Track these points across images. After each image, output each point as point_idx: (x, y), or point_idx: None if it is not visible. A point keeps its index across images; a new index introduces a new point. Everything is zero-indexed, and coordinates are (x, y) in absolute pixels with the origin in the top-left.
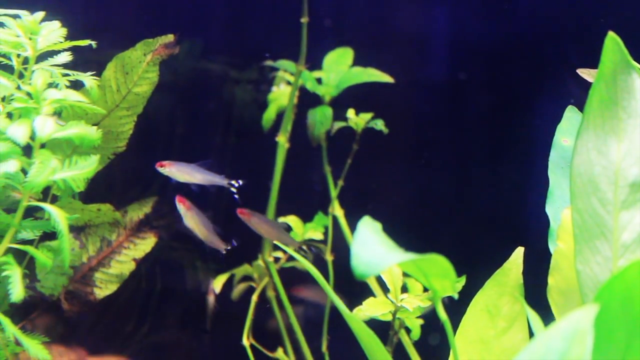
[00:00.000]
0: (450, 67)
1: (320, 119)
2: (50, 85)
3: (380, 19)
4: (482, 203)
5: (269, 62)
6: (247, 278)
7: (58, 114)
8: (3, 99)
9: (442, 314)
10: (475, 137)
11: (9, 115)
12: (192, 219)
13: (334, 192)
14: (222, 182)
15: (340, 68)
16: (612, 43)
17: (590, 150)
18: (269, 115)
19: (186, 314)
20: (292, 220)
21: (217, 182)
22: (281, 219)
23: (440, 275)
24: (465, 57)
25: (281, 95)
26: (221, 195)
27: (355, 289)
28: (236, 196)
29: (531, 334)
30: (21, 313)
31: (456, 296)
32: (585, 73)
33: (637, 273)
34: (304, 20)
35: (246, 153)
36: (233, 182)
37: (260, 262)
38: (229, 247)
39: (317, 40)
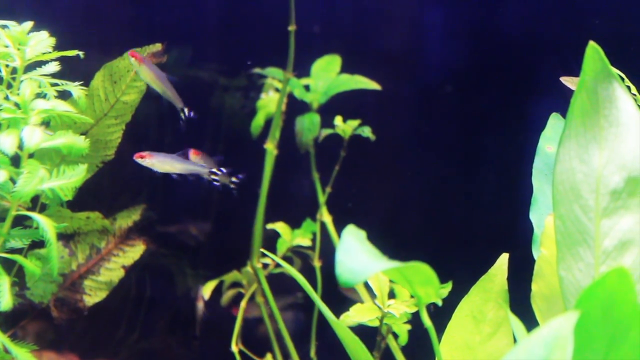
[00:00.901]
0: (436, 74)
1: (308, 126)
2: (39, 95)
3: (367, 27)
4: (467, 209)
5: (257, 70)
6: (236, 284)
7: (46, 123)
8: None
9: (427, 321)
10: (462, 142)
11: None
12: (147, 73)
13: (322, 199)
14: (203, 171)
15: (328, 75)
16: (593, 52)
17: (572, 158)
18: (258, 122)
19: (175, 320)
20: (280, 226)
21: (198, 171)
22: (270, 226)
23: (424, 282)
24: (451, 64)
25: (270, 102)
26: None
27: (343, 295)
28: (216, 183)
29: (516, 340)
30: (11, 321)
31: (440, 303)
32: (568, 81)
33: (617, 280)
34: (291, 28)
35: (235, 160)
36: (214, 169)
37: (249, 268)
38: (186, 110)
39: (306, 48)
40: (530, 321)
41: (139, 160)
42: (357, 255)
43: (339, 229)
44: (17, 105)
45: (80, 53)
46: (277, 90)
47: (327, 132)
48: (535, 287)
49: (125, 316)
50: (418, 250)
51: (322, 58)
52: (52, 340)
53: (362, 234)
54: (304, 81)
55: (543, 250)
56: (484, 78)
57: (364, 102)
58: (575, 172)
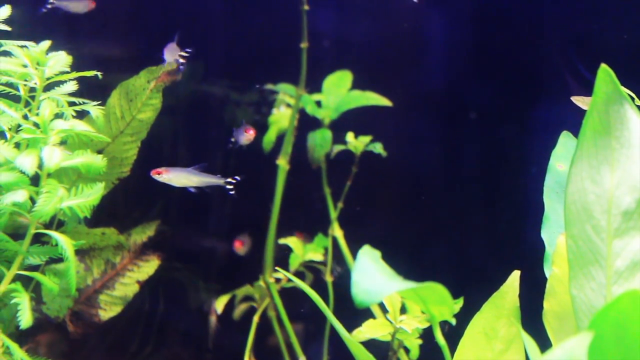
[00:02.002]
0: (447, 90)
1: (320, 142)
2: (57, 114)
3: (378, 43)
4: (479, 226)
5: (269, 86)
6: (248, 298)
7: (63, 141)
8: (10, 128)
9: (440, 338)
10: (473, 160)
11: (17, 145)
12: None
13: (333, 214)
14: (219, 182)
15: (339, 91)
16: (605, 75)
17: (584, 179)
18: (270, 137)
19: (189, 333)
20: (292, 241)
21: (214, 183)
22: (282, 241)
23: (439, 302)
24: (462, 81)
25: (281, 117)
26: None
27: (355, 310)
28: (232, 192)
29: (528, 357)
30: (27, 334)
31: (454, 322)
32: (579, 101)
33: (630, 302)
34: (304, 45)
35: (247, 175)
36: (230, 179)
37: (261, 283)
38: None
39: (318, 64)
40: (541, 339)
41: (156, 177)
42: (372, 275)
43: (349, 243)
44: (36, 125)
45: (99, 73)
46: (288, 105)
47: (339, 148)
48: (547, 305)
49: (139, 329)
50: (430, 267)
51: (334, 74)
52: (65, 351)
53: (377, 254)
54: (316, 97)
55: (555, 269)
56: (496, 95)
57: (375, 118)
58: (587, 192)
